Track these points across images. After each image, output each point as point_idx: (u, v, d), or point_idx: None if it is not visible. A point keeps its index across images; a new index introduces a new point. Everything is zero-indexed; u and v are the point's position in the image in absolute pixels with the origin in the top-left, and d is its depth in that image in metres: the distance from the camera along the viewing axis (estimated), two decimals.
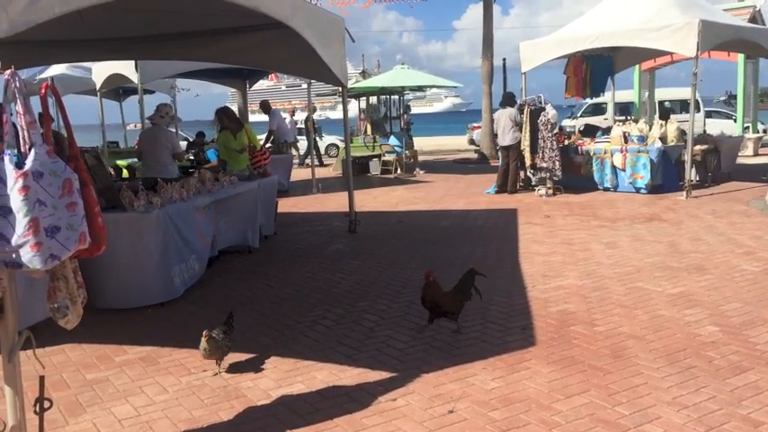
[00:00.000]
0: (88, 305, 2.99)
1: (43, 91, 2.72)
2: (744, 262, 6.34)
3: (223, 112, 8.90)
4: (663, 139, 11.44)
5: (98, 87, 12.98)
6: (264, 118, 14.49)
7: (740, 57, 17.27)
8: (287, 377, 4.00)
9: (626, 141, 11.49)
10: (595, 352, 4.21)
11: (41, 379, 2.74)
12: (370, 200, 11.64)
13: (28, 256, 2.45)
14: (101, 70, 12.39)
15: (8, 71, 2.53)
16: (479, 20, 20.24)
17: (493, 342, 4.46)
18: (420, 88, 21.79)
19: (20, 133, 2.56)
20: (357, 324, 4.97)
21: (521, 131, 11.69)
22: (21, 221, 2.43)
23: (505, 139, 11.89)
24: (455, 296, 4.78)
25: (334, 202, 11.08)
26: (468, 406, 3.50)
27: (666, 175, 11.19)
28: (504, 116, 11.91)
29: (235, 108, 14.33)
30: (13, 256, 2.44)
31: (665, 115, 12.26)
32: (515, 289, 5.75)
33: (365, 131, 19.74)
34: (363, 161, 16.76)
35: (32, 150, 2.52)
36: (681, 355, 4.09)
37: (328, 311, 5.31)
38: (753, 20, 15.93)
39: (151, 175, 7.15)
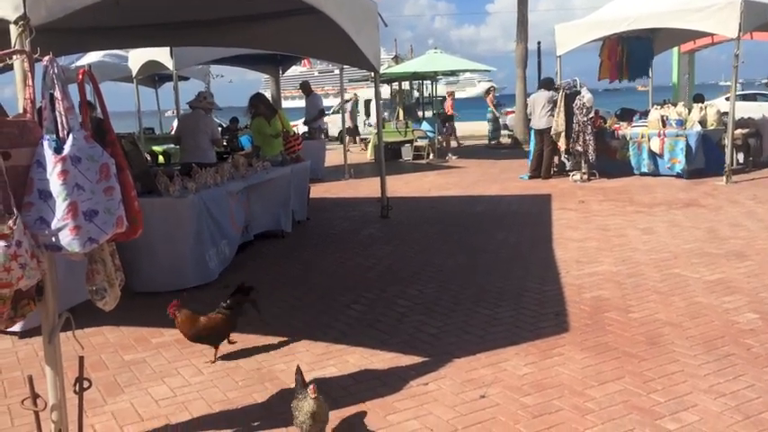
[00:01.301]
0: (126, 288, 3.06)
1: (80, 77, 2.77)
2: None
3: (257, 99, 8.98)
4: (702, 122, 11.16)
5: (134, 74, 13.17)
6: (297, 104, 14.53)
7: None
8: (319, 360, 4.04)
9: (664, 125, 11.24)
10: (630, 339, 4.15)
11: (81, 359, 2.81)
12: (402, 185, 11.63)
13: (67, 239, 2.50)
14: (137, 57, 12.56)
15: (47, 57, 2.58)
16: (513, 3, 19.94)
17: (526, 328, 4.44)
18: (453, 73, 21.61)
19: (58, 119, 2.61)
20: (389, 309, 4.99)
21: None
22: (60, 205, 2.48)
23: (541, 122, 11.74)
24: (220, 320, 4.08)
25: (366, 188, 11.09)
26: (501, 391, 3.49)
27: (708, 158, 10.91)
28: (542, 99, 11.74)
29: (268, 94, 14.41)
30: (53, 239, 2.49)
31: (699, 98, 11.96)
32: (549, 275, 5.70)
33: (397, 116, 19.66)
34: (395, 146, 16.71)
35: (71, 136, 2.57)
36: (718, 342, 4.02)
37: (360, 296, 5.33)
38: None
39: (190, 160, 7.23)
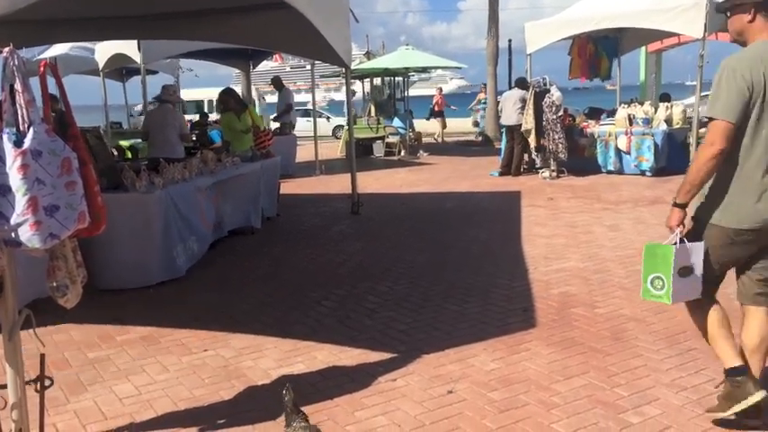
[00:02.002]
0: (90, 285, 3.00)
1: (42, 69, 2.71)
2: None
3: (228, 93, 8.90)
4: (668, 121, 11.36)
5: (101, 67, 12.93)
6: (269, 99, 14.45)
7: None
8: (287, 357, 4.02)
9: (631, 124, 11.41)
10: (595, 334, 4.21)
11: (42, 357, 2.76)
12: (374, 181, 11.63)
13: (27, 234, 2.44)
14: (103, 50, 12.33)
15: (7, 49, 2.52)
16: (484, 1, 20.06)
17: (494, 324, 4.47)
18: (424, 69, 21.65)
19: (19, 112, 2.55)
20: (359, 305, 4.99)
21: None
22: (20, 200, 2.42)
23: (511, 119, 11.86)
24: None
25: (338, 184, 11.06)
26: (468, 386, 3.51)
27: (672, 157, 11.12)
28: (513, 96, 11.87)
29: (239, 89, 14.29)
30: (12, 235, 2.43)
31: (665, 98, 12.18)
32: (517, 271, 5.75)
33: (369, 113, 19.68)
34: (367, 143, 16.70)
35: (31, 129, 2.51)
36: (681, 337, 4.09)
37: (330, 292, 5.32)
38: None
39: (159, 155, 7.10)
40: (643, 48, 17.36)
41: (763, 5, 2.89)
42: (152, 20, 7.92)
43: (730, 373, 2.94)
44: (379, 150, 16.65)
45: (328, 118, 25.44)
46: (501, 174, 12.03)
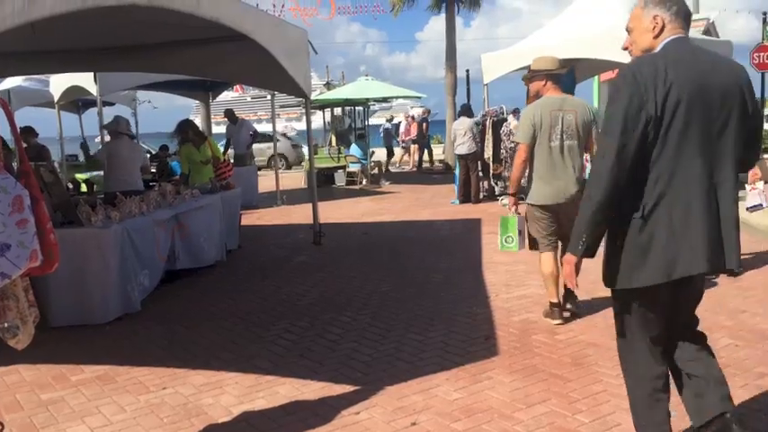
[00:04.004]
0: (43, 323, 2.93)
1: None
2: None
3: (187, 125, 8.85)
4: None
5: (56, 100, 12.71)
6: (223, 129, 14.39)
7: None
8: (249, 393, 3.96)
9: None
10: (556, 360, 4.25)
11: None
12: (335, 211, 11.62)
13: None
14: (58, 82, 12.14)
15: None
16: (441, 32, 20.46)
17: (456, 352, 4.48)
18: (385, 99, 21.90)
19: None
20: (321, 337, 4.95)
21: (476, 141, 11.87)
22: None
23: (463, 148, 12.04)
24: None
25: (299, 214, 11.03)
26: (431, 417, 3.50)
27: None
28: (463, 126, 12.07)
29: (199, 121, 14.21)
30: None
31: None
32: (479, 299, 5.79)
33: (330, 143, 19.77)
34: (329, 172, 16.72)
35: None
36: None
37: (292, 325, 5.27)
38: (707, 32, 16.37)
39: (121, 188, 6.96)
40: (596, 77, 17.88)
41: (551, 77, 5.00)
42: (109, 52, 7.87)
43: (551, 304, 5.01)
44: (340, 179, 16.69)
45: (300, 147, 25.47)
46: (462, 202, 12.16)
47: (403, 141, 21.52)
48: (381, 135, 21.70)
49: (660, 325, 2.69)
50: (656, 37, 2.63)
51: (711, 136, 2.49)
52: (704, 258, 2.45)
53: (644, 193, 2.48)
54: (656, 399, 2.71)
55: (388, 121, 22.51)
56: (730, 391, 2.73)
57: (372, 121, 22.32)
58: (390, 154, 21.26)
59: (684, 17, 2.65)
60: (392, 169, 20.59)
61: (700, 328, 2.88)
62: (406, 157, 21.60)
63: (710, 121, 2.49)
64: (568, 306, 5.14)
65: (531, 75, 5.06)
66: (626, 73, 2.50)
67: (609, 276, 2.70)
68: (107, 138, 8.67)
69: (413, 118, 22.01)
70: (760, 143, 2.91)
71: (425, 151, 20.88)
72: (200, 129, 10.29)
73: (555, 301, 4.98)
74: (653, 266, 2.50)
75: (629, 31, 2.76)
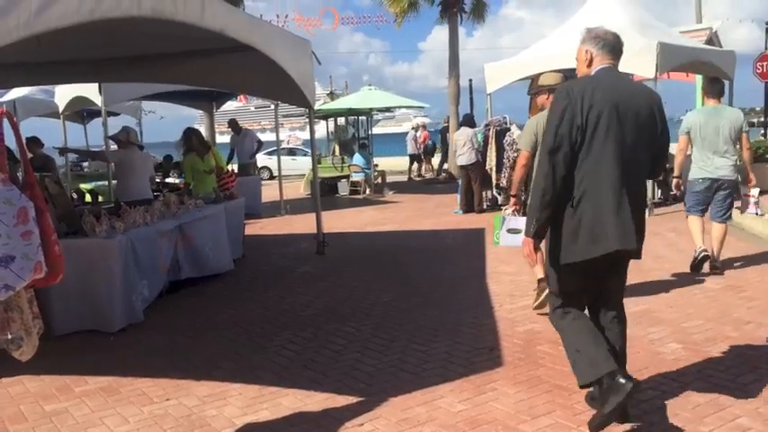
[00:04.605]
0: (47, 334, 2.92)
1: None
2: (706, 279, 6.47)
3: (192, 132, 8.90)
4: None
5: (61, 110, 12.79)
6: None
7: (698, 78, 17.74)
8: (252, 404, 3.95)
9: None
10: (561, 371, 4.23)
11: None
12: (339, 221, 11.63)
13: None
14: (64, 93, 12.22)
15: None
16: (443, 42, 20.51)
17: (460, 363, 4.47)
18: (388, 109, 21.94)
19: None
20: (324, 347, 4.94)
21: (477, 151, 11.89)
22: None
23: (463, 158, 12.06)
24: None
25: (303, 224, 11.03)
26: (436, 430, 3.49)
27: None
28: (464, 136, 12.09)
29: (203, 130, 14.26)
30: None
31: None
32: (483, 309, 5.78)
33: (334, 152, 19.82)
34: (332, 182, 16.75)
35: None
36: (645, 372, 4.14)
37: (295, 335, 5.26)
38: (710, 42, 16.37)
39: (133, 197, 7.01)
40: None
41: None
42: (114, 63, 7.90)
43: (539, 280, 5.32)
44: (343, 189, 16.71)
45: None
46: (465, 212, 12.16)
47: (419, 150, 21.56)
48: (408, 143, 21.66)
49: (586, 291, 3.41)
50: (589, 66, 3.35)
51: (625, 146, 3.13)
52: (616, 241, 3.11)
53: (574, 188, 3.13)
54: (596, 340, 3.29)
55: (413, 129, 22.49)
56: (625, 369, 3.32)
57: (376, 130, 22.33)
58: (418, 161, 21.31)
59: (611, 51, 3.33)
60: (414, 177, 20.70)
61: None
62: (425, 165, 21.68)
63: (625, 134, 3.13)
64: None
65: (536, 89, 5.46)
66: (562, 90, 3.22)
67: (551, 255, 3.32)
68: (112, 148, 8.72)
69: (424, 127, 22.12)
70: (666, 157, 3.55)
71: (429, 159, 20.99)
72: (205, 138, 10.33)
73: (541, 276, 5.23)
74: (581, 246, 3.15)
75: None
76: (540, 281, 5.40)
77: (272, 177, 22.14)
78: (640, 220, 3.23)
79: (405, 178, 21.01)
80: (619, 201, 3.11)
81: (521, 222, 4.51)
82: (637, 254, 3.29)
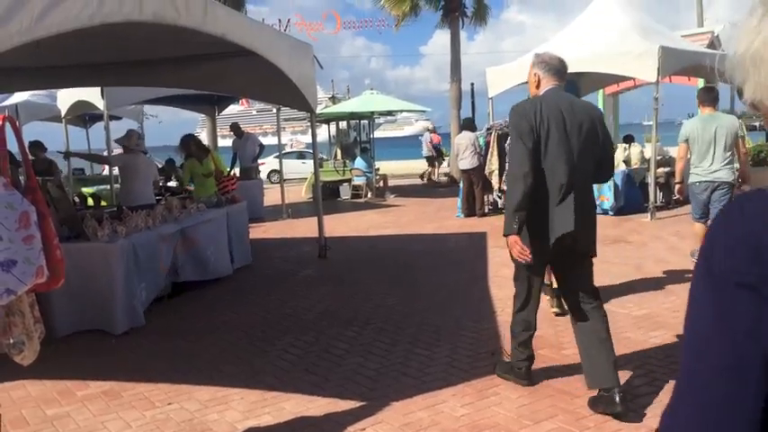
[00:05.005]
0: (49, 336, 2.92)
1: (0, 123, 2.68)
2: None
3: (189, 139, 8.91)
4: (627, 162, 11.66)
5: (63, 114, 12.80)
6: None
7: (700, 81, 17.73)
8: (254, 408, 3.94)
9: None
10: (563, 376, 4.22)
11: None
12: (341, 225, 11.63)
13: None
14: (66, 97, 12.23)
15: None
16: (445, 45, 20.51)
17: (462, 368, 4.46)
18: (389, 112, 21.96)
19: None
20: (326, 352, 4.93)
21: (480, 155, 11.88)
22: None
23: (465, 162, 12.07)
24: None
25: (305, 228, 11.04)
26: None
27: (629, 197, 11.40)
28: (466, 140, 12.10)
29: (204, 134, 14.28)
30: None
31: (628, 139, 12.55)
32: (485, 313, 5.77)
33: (335, 156, 19.82)
34: (334, 186, 16.75)
35: None
36: (647, 377, 4.13)
37: (297, 339, 5.26)
38: (711, 45, 16.37)
39: (137, 202, 7.02)
40: (601, 90, 17.90)
41: None
42: (116, 67, 7.92)
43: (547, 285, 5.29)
44: (345, 193, 16.71)
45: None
46: (466, 215, 12.15)
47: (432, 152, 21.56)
48: (423, 145, 21.65)
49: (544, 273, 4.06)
50: (537, 87, 3.85)
51: (572, 153, 3.61)
52: (570, 232, 3.60)
53: (539, 187, 3.60)
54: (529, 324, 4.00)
55: (429, 131, 22.51)
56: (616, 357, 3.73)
57: (377, 134, 22.35)
58: (431, 164, 21.29)
59: (556, 73, 3.82)
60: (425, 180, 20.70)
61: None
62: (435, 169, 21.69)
63: (572, 145, 3.62)
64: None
65: None
66: (519, 107, 3.74)
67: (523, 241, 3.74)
68: (114, 152, 8.73)
69: (434, 130, 22.22)
70: (612, 163, 4.04)
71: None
72: (206, 143, 10.35)
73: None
74: (546, 235, 3.65)
75: None
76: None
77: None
78: (588, 217, 3.76)
79: (406, 182, 20.99)
80: (571, 198, 3.61)
81: None
82: (586, 247, 3.81)
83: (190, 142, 8.78)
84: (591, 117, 3.75)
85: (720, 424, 0.76)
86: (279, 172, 22.32)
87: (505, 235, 3.68)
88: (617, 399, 3.52)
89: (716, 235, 0.81)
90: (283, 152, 16.08)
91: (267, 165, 23.83)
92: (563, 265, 3.89)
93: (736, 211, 0.80)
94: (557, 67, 3.83)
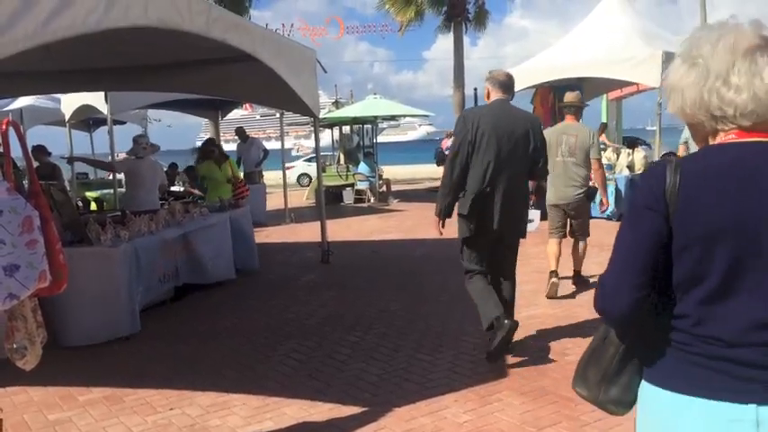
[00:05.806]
0: (52, 343, 2.92)
1: (4, 127, 2.68)
2: None
3: (213, 143, 9.03)
4: (630, 167, 11.65)
5: (67, 118, 12.81)
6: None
7: None
8: (256, 414, 3.93)
9: None
10: (567, 382, 4.18)
11: None
12: (344, 229, 11.62)
13: None
14: (70, 101, 12.24)
15: None
16: (448, 50, 20.55)
17: (465, 374, 4.44)
18: (392, 117, 21.97)
19: None
20: (329, 357, 4.92)
21: None
22: None
23: None
24: None
25: (308, 232, 11.03)
26: None
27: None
28: None
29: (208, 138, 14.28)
30: None
31: (632, 144, 12.54)
32: None
33: (338, 161, 19.83)
34: (337, 190, 16.76)
35: None
36: None
37: (300, 344, 5.25)
38: None
39: (141, 207, 7.03)
40: (604, 96, 17.87)
41: (567, 108, 6.76)
42: (120, 72, 7.94)
43: (550, 272, 6.51)
44: (348, 197, 16.72)
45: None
46: None
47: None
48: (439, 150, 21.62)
49: (483, 258, 4.72)
50: (488, 98, 4.63)
51: (503, 156, 4.38)
52: (497, 223, 4.46)
53: (468, 183, 4.43)
54: (488, 292, 4.62)
55: (447, 136, 22.49)
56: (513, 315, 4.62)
57: (381, 139, 22.35)
58: None
59: (502, 86, 4.56)
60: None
61: None
62: None
63: (500, 148, 4.38)
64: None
65: (561, 105, 7.01)
66: (465, 112, 4.72)
67: (459, 231, 4.65)
68: (121, 156, 8.76)
69: (449, 135, 22.23)
70: (545, 167, 4.75)
71: None
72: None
73: (553, 269, 6.43)
74: (474, 225, 4.51)
75: None
76: (551, 272, 6.37)
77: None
78: (512, 209, 4.50)
79: (409, 187, 21.00)
80: (499, 195, 4.41)
81: (532, 213, 5.43)
82: (512, 236, 4.67)
83: (214, 147, 8.90)
84: (526, 125, 4.50)
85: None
86: (311, 176, 22.49)
87: (436, 215, 4.60)
88: (505, 322, 4.30)
89: (637, 185, 1.53)
90: (312, 156, 16.08)
91: (296, 168, 24.03)
92: (495, 252, 4.68)
93: (648, 171, 1.51)
94: (502, 81, 4.58)
